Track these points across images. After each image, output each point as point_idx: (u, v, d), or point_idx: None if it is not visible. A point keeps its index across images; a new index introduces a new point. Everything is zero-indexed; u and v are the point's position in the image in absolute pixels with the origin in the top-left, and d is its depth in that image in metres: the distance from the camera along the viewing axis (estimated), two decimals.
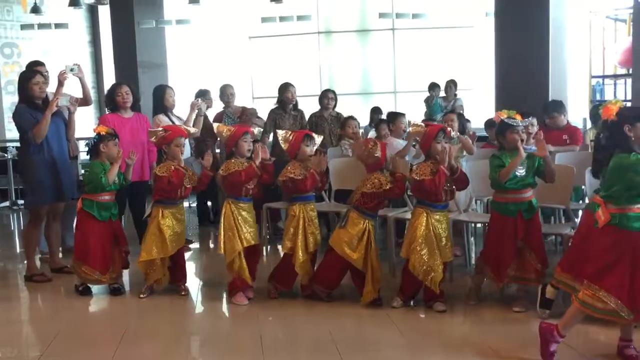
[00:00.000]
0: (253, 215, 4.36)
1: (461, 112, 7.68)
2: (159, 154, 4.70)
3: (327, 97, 6.75)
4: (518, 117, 3.92)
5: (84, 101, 5.48)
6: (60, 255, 5.36)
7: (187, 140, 5.73)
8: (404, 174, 4.08)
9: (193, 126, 5.61)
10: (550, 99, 7.14)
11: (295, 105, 6.51)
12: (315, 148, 4.25)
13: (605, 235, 3.10)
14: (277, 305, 4.27)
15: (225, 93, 6.51)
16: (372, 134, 6.79)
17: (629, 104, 11.59)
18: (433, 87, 9.14)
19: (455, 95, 9.03)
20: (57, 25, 10.65)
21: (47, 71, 5.33)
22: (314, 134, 4.34)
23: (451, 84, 9.00)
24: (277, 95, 6.55)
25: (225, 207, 4.28)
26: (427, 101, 9.15)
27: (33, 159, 4.82)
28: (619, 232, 3.07)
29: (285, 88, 6.48)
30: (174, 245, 4.41)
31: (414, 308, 4.07)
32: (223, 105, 6.47)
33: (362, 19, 12.21)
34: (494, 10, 7.97)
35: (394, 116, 5.98)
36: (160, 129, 4.54)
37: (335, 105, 6.80)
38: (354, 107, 9.99)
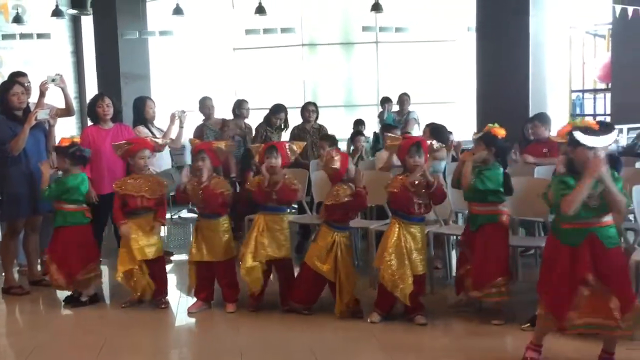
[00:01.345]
0: (223, 231, 4.36)
1: (416, 125, 7.55)
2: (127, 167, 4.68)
3: (307, 109, 6.81)
4: (501, 131, 3.96)
5: (66, 112, 5.44)
6: (39, 267, 5.29)
7: (168, 151, 5.74)
8: (363, 188, 4.09)
9: (174, 138, 5.61)
10: (530, 113, 7.24)
11: None
12: (276, 160, 4.22)
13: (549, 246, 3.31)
14: (258, 319, 4.24)
15: (206, 105, 6.49)
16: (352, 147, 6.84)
17: (607, 118, 11.82)
18: (385, 101, 8.95)
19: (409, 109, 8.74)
20: (39, 35, 10.58)
21: (29, 82, 5.30)
22: (286, 144, 4.36)
23: (404, 97, 8.74)
24: (269, 111, 6.75)
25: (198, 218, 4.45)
26: (380, 116, 8.95)
27: (11, 171, 4.78)
28: (554, 242, 3.25)
29: (281, 110, 6.66)
30: (141, 253, 4.39)
31: (395, 321, 4.06)
32: (203, 118, 6.44)
33: (345, 32, 12.30)
34: (475, 25, 8.07)
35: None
36: (124, 141, 4.55)
37: (317, 118, 6.86)
38: (338, 119, 10.04)
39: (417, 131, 7.42)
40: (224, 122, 6.47)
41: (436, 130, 5.30)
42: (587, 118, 13.59)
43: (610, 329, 3.11)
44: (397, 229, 3.94)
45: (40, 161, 4.56)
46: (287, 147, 4.33)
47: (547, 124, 5.95)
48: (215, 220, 4.32)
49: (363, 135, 6.69)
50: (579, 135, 3.08)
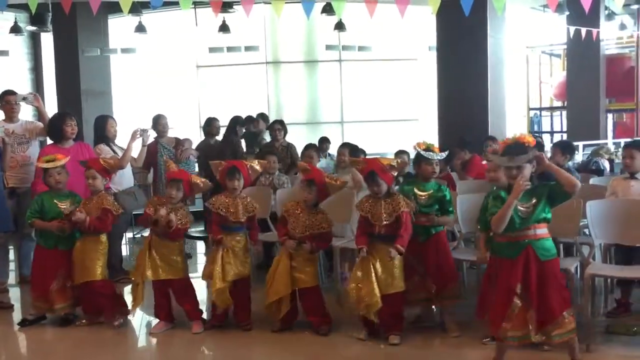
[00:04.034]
0: (179, 250, 4.32)
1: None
2: None
3: (274, 128, 6.87)
4: (435, 150, 4.10)
5: (45, 131, 5.35)
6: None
7: (130, 169, 5.67)
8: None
9: (137, 157, 5.55)
10: (489, 130, 7.42)
11: None
12: (239, 182, 4.21)
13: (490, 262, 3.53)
14: (222, 338, 4.20)
15: (160, 123, 6.41)
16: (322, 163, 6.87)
17: (564, 136, 12.18)
18: (246, 120, 8.43)
19: (265, 128, 8.24)
20: None
21: (16, 101, 5.28)
22: (247, 164, 4.33)
23: (259, 118, 8.42)
24: (233, 122, 7.11)
25: (147, 237, 4.33)
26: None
27: None
28: (493, 258, 3.48)
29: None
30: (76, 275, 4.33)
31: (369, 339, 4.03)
32: (155, 135, 6.38)
33: (309, 50, 12.42)
34: (436, 44, 8.24)
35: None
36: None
37: (284, 135, 6.89)
38: (302, 137, 10.08)
39: None
40: (177, 141, 6.40)
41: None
42: (544, 135, 13.96)
43: (527, 337, 3.26)
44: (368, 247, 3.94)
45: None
46: (248, 167, 4.32)
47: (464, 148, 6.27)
48: (172, 241, 4.29)
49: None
50: (493, 157, 3.42)
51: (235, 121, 7.22)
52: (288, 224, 4.15)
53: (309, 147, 6.05)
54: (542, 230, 3.30)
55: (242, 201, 4.23)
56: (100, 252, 4.37)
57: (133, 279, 4.34)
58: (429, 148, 4.06)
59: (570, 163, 6.13)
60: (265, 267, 5.78)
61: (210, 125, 7.20)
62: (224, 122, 7.51)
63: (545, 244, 3.30)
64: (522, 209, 3.25)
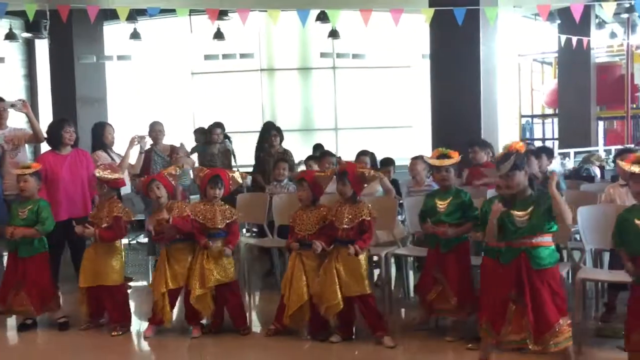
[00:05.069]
0: (191, 252, 4.33)
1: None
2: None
3: (270, 134, 6.90)
4: (453, 155, 4.05)
5: (35, 138, 5.39)
6: None
7: (127, 175, 5.70)
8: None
9: (133, 164, 5.58)
10: (482, 137, 7.48)
11: None
12: (220, 191, 4.24)
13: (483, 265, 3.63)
14: (219, 343, 4.23)
15: (154, 130, 6.39)
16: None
17: (555, 142, 12.31)
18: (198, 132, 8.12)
19: (226, 137, 7.84)
20: None
21: (4, 108, 5.30)
22: (229, 174, 4.37)
23: (211, 127, 7.82)
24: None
25: (163, 248, 4.35)
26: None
27: None
28: (486, 261, 3.56)
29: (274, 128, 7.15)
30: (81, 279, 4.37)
31: (359, 341, 4.09)
32: (151, 143, 6.38)
33: (303, 58, 12.48)
34: (429, 52, 8.32)
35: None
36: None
37: (281, 142, 6.92)
38: (296, 144, 10.14)
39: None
40: (172, 148, 6.38)
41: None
42: (536, 142, 14.09)
43: (524, 342, 3.27)
44: (332, 251, 4.02)
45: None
46: (230, 177, 4.35)
47: (486, 148, 6.25)
48: (187, 242, 4.30)
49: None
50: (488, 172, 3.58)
51: (267, 128, 7.24)
52: (296, 229, 4.16)
53: (328, 153, 6.10)
54: (541, 239, 3.25)
55: (220, 208, 4.26)
56: (113, 257, 4.38)
57: (154, 292, 4.31)
58: (443, 154, 4.02)
59: (561, 169, 6.25)
60: (267, 275, 5.85)
61: (211, 133, 7.21)
62: None
63: (542, 252, 3.24)
64: (518, 218, 3.23)
